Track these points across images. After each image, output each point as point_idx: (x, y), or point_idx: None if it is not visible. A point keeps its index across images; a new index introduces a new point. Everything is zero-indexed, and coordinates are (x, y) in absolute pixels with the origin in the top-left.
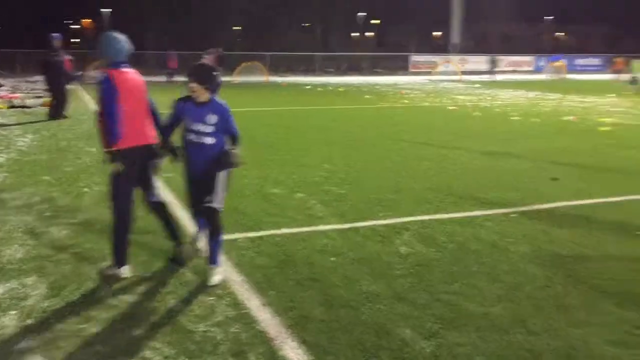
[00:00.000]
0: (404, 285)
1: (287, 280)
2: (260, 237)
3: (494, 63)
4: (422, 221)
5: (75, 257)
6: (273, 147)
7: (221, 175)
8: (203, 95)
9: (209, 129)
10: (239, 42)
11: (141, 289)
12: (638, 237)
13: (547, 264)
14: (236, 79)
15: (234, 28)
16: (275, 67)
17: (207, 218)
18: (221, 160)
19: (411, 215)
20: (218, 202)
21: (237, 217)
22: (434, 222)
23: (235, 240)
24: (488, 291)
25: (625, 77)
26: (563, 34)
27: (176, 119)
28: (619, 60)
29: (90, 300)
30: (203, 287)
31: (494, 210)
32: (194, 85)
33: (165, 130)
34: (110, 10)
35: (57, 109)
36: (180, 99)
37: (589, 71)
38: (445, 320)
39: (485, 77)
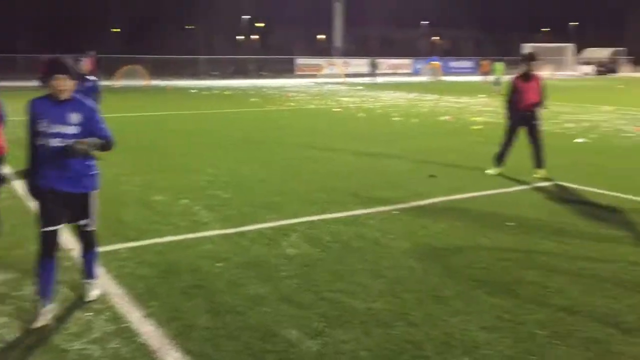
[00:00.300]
0: (290, 286)
1: (170, 290)
2: (142, 247)
3: (374, 66)
4: (309, 222)
5: None
6: (156, 153)
7: (93, 195)
8: (69, 92)
9: (73, 130)
10: (119, 45)
11: (8, 309)
12: (506, 227)
13: (425, 257)
14: (117, 83)
15: (113, 30)
16: (159, 71)
17: (84, 238)
18: (66, 150)
19: (297, 217)
20: (95, 223)
21: (116, 227)
22: (320, 223)
23: (114, 251)
24: (371, 287)
25: (491, 78)
26: (438, 37)
27: (34, 131)
28: (485, 62)
29: None
30: (79, 303)
31: (376, 208)
32: (65, 81)
33: (31, 164)
34: None
35: None
36: (35, 98)
37: (462, 73)
38: (330, 319)
39: (367, 80)
